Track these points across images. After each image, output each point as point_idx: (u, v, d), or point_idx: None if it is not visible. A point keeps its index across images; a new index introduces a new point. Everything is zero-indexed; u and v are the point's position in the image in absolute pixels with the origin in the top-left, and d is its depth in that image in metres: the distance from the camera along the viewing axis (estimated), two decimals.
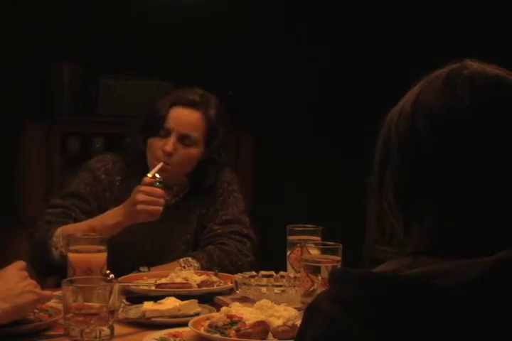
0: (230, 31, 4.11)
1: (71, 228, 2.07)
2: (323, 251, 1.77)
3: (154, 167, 2.15)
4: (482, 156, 0.87)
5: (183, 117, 2.21)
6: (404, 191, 0.91)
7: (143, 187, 2.05)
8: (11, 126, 3.79)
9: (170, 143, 2.17)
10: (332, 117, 4.23)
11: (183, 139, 2.19)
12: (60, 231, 2.08)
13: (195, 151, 2.22)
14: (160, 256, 2.20)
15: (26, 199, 3.83)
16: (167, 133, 2.19)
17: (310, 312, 0.87)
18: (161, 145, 2.18)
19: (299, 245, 1.93)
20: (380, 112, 1.00)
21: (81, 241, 1.82)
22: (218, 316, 1.58)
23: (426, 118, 0.89)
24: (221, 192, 2.30)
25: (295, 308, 1.61)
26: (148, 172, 2.13)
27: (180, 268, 2.08)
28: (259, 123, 4.10)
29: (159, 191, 2.05)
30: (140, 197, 2.03)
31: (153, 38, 4.01)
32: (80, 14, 3.90)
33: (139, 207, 2.02)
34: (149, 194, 2.03)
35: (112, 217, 2.08)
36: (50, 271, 2.14)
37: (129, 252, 2.20)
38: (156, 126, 2.20)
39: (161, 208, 2.05)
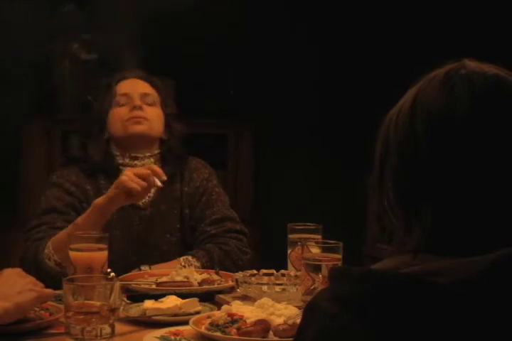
0: (230, 31, 4.10)
1: (59, 236, 2.01)
2: (324, 250, 1.77)
3: (119, 133, 2.17)
4: (480, 156, 0.87)
5: (134, 84, 2.22)
6: (404, 190, 0.92)
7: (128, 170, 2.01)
8: (11, 126, 3.79)
9: (136, 99, 2.16)
10: (332, 117, 4.22)
11: (144, 98, 2.19)
12: (50, 242, 2.02)
13: (159, 110, 2.22)
14: (143, 258, 2.14)
15: (26, 199, 3.82)
16: (125, 100, 2.18)
17: (310, 310, 0.87)
18: (126, 111, 2.16)
19: (299, 243, 1.93)
20: (380, 112, 1.01)
21: (82, 240, 1.83)
22: (219, 314, 1.58)
23: (424, 119, 0.90)
24: (202, 192, 2.27)
25: (296, 307, 1.61)
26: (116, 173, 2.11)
27: (180, 266, 2.07)
28: (259, 123, 4.10)
29: (144, 172, 1.98)
30: (124, 177, 1.97)
31: (153, 37, 4.01)
32: (80, 14, 3.90)
33: (126, 183, 1.95)
34: (134, 175, 1.97)
35: (92, 207, 2.00)
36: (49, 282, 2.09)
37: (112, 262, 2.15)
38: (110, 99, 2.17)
39: (139, 188, 1.96)
